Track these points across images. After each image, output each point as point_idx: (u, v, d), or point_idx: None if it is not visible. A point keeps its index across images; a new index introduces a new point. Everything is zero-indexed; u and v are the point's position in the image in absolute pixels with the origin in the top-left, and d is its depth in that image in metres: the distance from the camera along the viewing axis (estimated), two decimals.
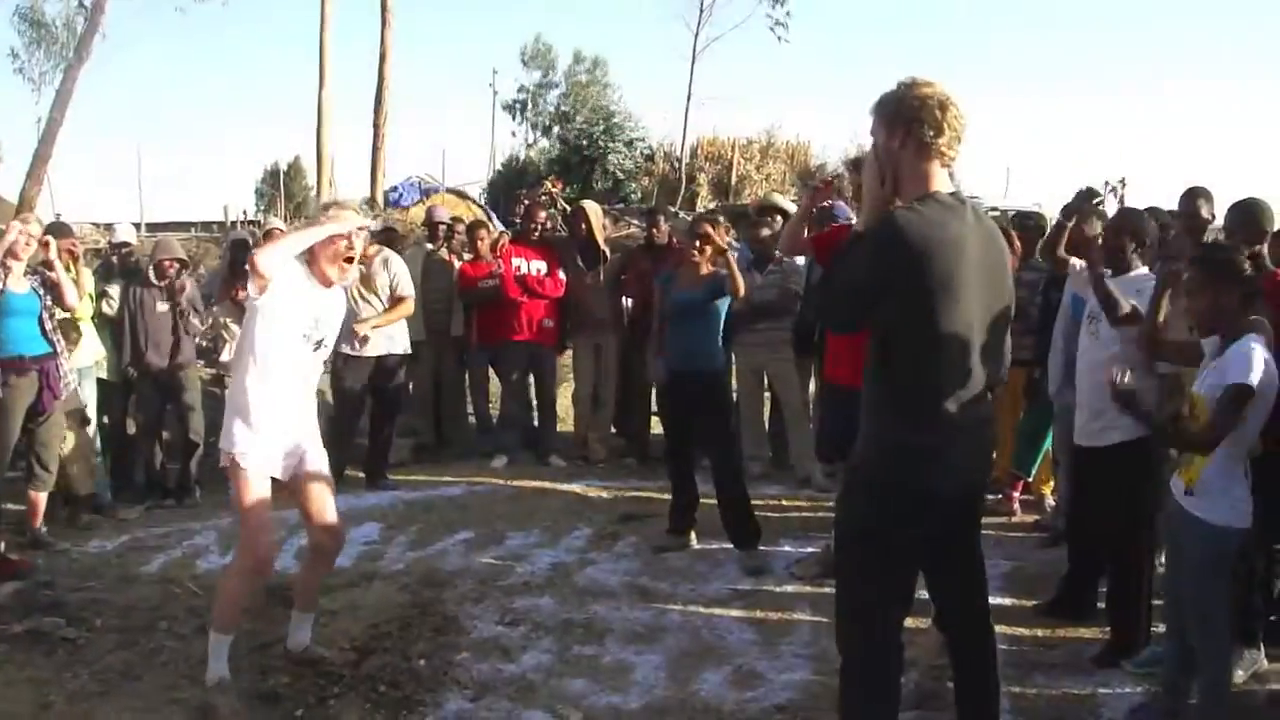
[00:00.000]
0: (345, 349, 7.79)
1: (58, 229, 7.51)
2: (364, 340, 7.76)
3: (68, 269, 7.33)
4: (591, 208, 9.36)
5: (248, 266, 4.30)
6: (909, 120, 3.01)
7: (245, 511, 4.33)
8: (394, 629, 5.09)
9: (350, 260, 4.40)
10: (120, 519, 7.27)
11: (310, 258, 4.38)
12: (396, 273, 7.98)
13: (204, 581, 5.74)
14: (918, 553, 3.18)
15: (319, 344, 4.43)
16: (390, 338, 8.00)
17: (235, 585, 4.36)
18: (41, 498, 6.67)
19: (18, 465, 6.95)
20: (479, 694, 4.41)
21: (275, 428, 4.32)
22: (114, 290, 7.75)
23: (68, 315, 7.14)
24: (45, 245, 6.66)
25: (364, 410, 8.26)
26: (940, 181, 3.06)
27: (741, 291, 6.06)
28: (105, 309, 7.71)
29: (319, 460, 4.53)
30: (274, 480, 4.38)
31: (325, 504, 4.56)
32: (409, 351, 8.22)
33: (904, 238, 2.90)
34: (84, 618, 5.26)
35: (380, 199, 17.76)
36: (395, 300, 7.96)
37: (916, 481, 3.04)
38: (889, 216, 2.97)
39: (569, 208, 10.14)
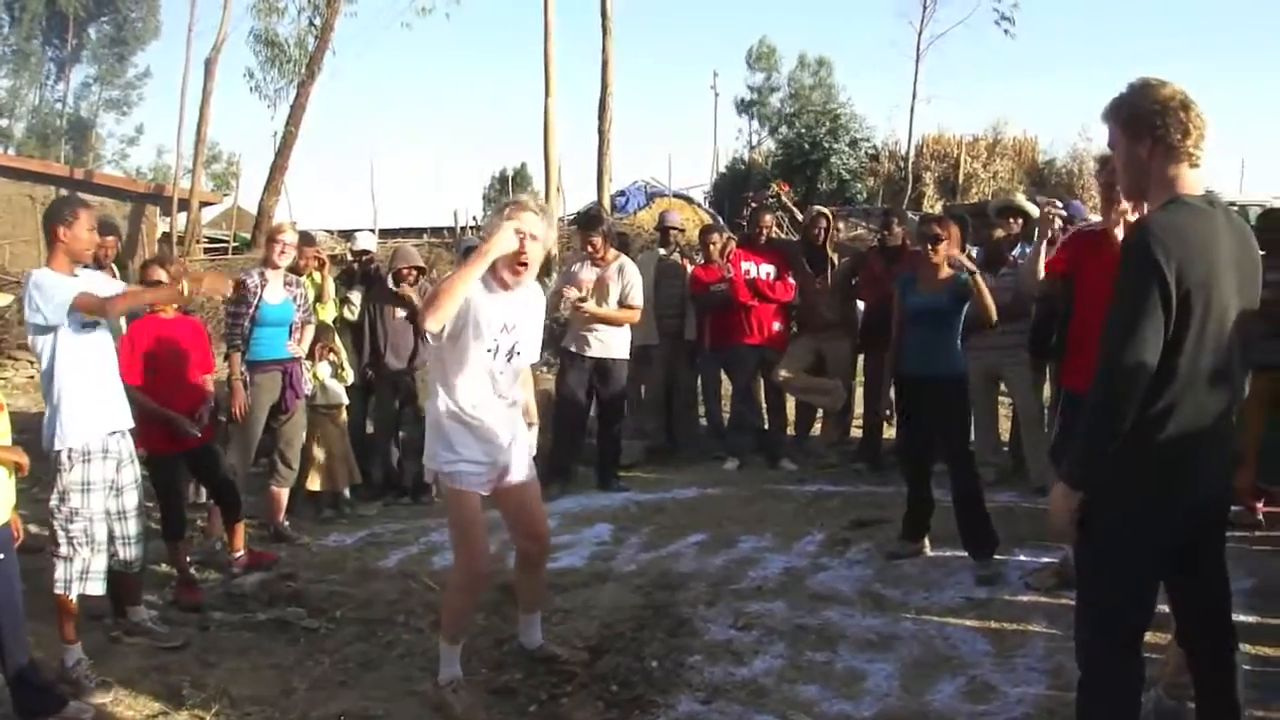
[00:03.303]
0: (571, 347, 7.87)
1: (305, 238, 7.85)
2: (574, 305, 7.74)
3: (312, 276, 7.66)
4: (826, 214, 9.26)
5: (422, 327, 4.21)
6: (1153, 125, 2.93)
7: (457, 526, 4.34)
8: (627, 629, 5.03)
9: (524, 265, 4.17)
10: (359, 515, 7.51)
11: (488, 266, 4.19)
12: (630, 281, 7.94)
13: (440, 578, 5.79)
14: (1156, 562, 3.05)
15: (510, 351, 4.28)
16: (608, 343, 7.96)
17: (455, 598, 4.37)
18: (284, 493, 6.95)
19: (259, 462, 7.24)
20: (710, 697, 4.33)
21: (477, 444, 4.24)
22: (355, 296, 8.03)
23: (325, 321, 7.46)
24: (304, 254, 6.92)
25: (588, 411, 8.27)
26: (1189, 183, 2.96)
27: (994, 318, 5.94)
28: (347, 314, 8.00)
29: (525, 468, 4.47)
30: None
31: (529, 511, 4.53)
32: (627, 357, 8.14)
33: (1158, 245, 2.80)
34: (325, 609, 5.42)
35: (607, 204, 18.10)
36: (624, 308, 7.95)
37: (1153, 489, 2.94)
38: (1140, 228, 2.89)
39: (797, 211, 9.92)
